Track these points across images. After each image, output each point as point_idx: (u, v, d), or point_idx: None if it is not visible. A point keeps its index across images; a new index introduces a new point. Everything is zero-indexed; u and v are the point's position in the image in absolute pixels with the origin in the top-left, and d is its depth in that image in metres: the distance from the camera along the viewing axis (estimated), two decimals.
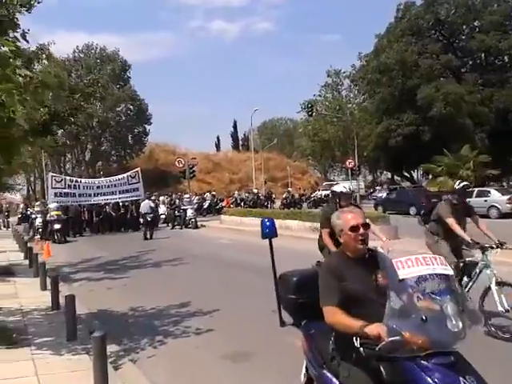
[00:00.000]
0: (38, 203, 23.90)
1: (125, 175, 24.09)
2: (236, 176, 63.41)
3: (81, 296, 8.48)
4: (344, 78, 57.47)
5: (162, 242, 17.71)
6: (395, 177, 57.03)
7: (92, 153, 55.25)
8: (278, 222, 15.37)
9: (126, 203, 23.22)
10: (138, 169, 24.73)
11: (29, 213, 24.35)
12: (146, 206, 20.06)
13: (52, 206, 20.46)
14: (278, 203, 36.53)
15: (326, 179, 68.31)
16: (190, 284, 9.52)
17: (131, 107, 55.35)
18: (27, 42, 5.22)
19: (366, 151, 42.92)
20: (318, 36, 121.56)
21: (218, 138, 78.87)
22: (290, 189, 47.14)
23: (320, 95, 57.17)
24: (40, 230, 20.53)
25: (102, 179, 25.66)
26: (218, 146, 79.03)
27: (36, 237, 20.20)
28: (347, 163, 34.32)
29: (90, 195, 22.61)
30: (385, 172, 63.56)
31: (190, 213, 22.98)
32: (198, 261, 12.54)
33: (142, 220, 20.71)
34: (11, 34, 6.35)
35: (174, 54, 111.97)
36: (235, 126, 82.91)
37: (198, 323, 6.53)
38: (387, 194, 33.96)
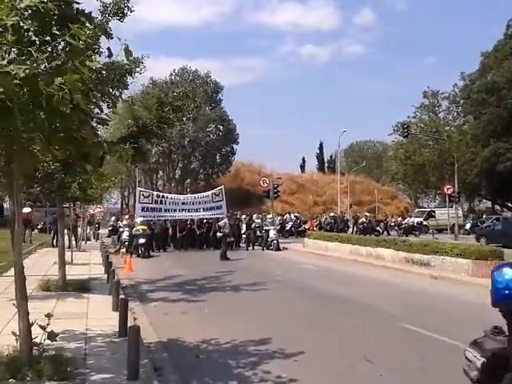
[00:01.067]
0: (126, 217, 24.41)
1: (209, 193, 23.96)
2: (320, 198, 61.89)
3: (154, 319, 7.87)
4: (442, 99, 54.29)
5: (241, 263, 16.95)
6: (496, 206, 52.08)
7: (182, 171, 57.15)
8: (365, 250, 14.05)
9: (210, 220, 22.94)
10: (222, 186, 24.53)
11: (118, 226, 24.93)
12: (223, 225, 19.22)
13: (138, 220, 20.79)
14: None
15: (417, 205, 64.35)
16: (271, 315, 8.49)
17: (221, 127, 56.63)
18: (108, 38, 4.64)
19: (469, 177, 39.39)
20: (412, 58, 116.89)
21: (303, 159, 77.86)
22: (367, 213, 44.46)
23: (415, 117, 54.29)
24: (126, 243, 20.83)
25: (188, 195, 25.79)
26: (302, 168, 77.86)
27: (122, 250, 20.50)
28: (445, 189, 31.51)
29: (175, 210, 22.68)
30: (484, 200, 58.45)
31: (272, 234, 22.11)
32: (281, 287, 11.51)
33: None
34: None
35: (265, 78, 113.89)
36: (321, 148, 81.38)
37: (279, 368, 5.47)
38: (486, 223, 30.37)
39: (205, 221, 23.04)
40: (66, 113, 4.04)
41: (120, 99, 8.97)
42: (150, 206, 22.18)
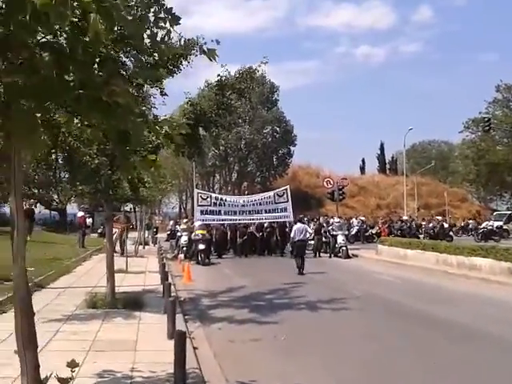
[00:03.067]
0: (184, 221, 23.09)
1: (271, 193, 22.20)
2: (383, 201, 58.79)
3: (218, 350, 6.25)
4: None
5: (312, 274, 15.05)
6: None
7: (238, 174, 56.22)
8: (456, 259, 11.64)
9: (274, 224, 21.07)
10: (287, 187, 22.49)
11: (176, 230, 23.78)
12: (300, 230, 15.12)
13: (196, 224, 19.44)
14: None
15: (488, 208, 59.48)
16: (368, 348, 6.59)
17: (277, 129, 55.08)
18: None
19: None
20: (473, 55, 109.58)
21: (363, 160, 74.26)
22: (439, 217, 41.02)
23: (487, 112, 50.11)
24: (184, 248, 19.54)
25: (248, 197, 24.08)
26: (362, 169, 74.38)
27: (180, 255, 19.26)
28: None
29: (234, 213, 21.00)
30: None
31: (340, 239, 19.95)
32: (366, 306, 9.53)
33: (291, 247, 16.85)
34: None
35: (319, 81, 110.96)
36: (382, 148, 77.43)
37: None
38: None
39: (266, 224, 21.15)
40: (83, 48, 2.46)
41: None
42: (209, 208, 20.76)
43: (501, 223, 33.74)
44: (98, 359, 5.12)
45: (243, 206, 21.12)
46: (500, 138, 47.71)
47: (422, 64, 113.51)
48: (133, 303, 8.40)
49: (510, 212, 37.78)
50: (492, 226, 32.53)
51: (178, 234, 21.26)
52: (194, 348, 6.13)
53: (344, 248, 19.69)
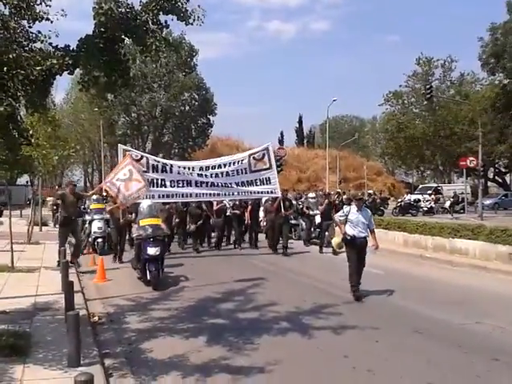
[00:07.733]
0: (95, 197, 14.16)
1: (245, 155, 13.99)
2: (304, 175, 57.92)
3: None
4: (435, 67, 50.53)
5: (285, 271, 12.01)
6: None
7: (153, 144, 51.29)
8: (433, 241, 9.43)
9: (249, 202, 14.78)
10: (269, 144, 14.36)
11: (83, 210, 15.45)
12: (357, 219, 7.91)
13: (144, 204, 9.80)
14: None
15: (398, 180, 61.37)
16: None
17: (196, 96, 50.74)
18: None
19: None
20: (377, 36, 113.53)
21: (281, 133, 73.03)
22: (370, 191, 40.86)
23: (407, 86, 50.28)
24: (100, 240, 13.02)
25: (205, 162, 14.44)
26: (281, 142, 72.85)
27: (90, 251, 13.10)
28: (468, 162, 27.11)
29: (188, 184, 13.23)
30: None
31: (318, 221, 14.47)
32: (379, 321, 6.66)
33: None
34: None
35: (230, 53, 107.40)
36: (300, 122, 76.73)
37: None
38: None
39: (229, 203, 14.74)
40: None
41: None
42: (146, 176, 11.70)
43: (419, 197, 33.33)
44: None
45: (200, 175, 13.32)
46: (420, 112, 48.00)
47: (330, 42, 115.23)
48: (11, 344, 4.69)
49: (435, 185, 37.85)
50: (410, 199, 32.00)
51: (87, 216, 13.95)
52: None
53: (327, 233, 13.95)
